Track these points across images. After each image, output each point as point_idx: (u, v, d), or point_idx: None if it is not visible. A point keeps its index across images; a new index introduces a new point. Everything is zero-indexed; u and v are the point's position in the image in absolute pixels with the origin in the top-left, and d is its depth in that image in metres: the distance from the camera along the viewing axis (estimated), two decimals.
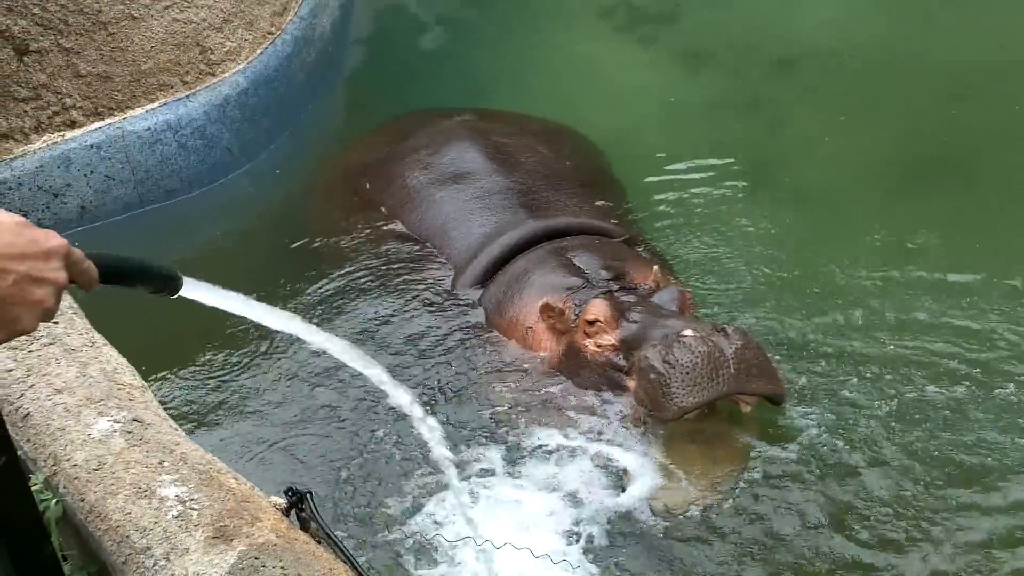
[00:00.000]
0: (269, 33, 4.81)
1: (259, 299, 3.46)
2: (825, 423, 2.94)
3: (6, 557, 1.59)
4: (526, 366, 3.22)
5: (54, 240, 1.38)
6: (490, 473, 2.88)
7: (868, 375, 3.12)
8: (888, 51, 4.99)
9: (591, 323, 3.06)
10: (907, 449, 2.86)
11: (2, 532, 1.57)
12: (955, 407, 2.98)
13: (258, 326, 3.34)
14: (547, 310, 3.18)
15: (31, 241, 1.34)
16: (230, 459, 2.78)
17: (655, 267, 3.21)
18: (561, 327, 3.16)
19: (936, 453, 2.84)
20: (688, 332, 2.78)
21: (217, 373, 3.38)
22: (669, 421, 2.81)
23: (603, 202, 3.87)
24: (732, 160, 4.38)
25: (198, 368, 3.40)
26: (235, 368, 3.39)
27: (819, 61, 4.98)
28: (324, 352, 3.20)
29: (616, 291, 3.14)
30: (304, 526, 2.20)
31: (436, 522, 2.73)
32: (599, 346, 3.03)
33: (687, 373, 2.72)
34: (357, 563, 2.10)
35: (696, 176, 4.28)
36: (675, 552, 2.63)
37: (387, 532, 2.72)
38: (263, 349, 3.43)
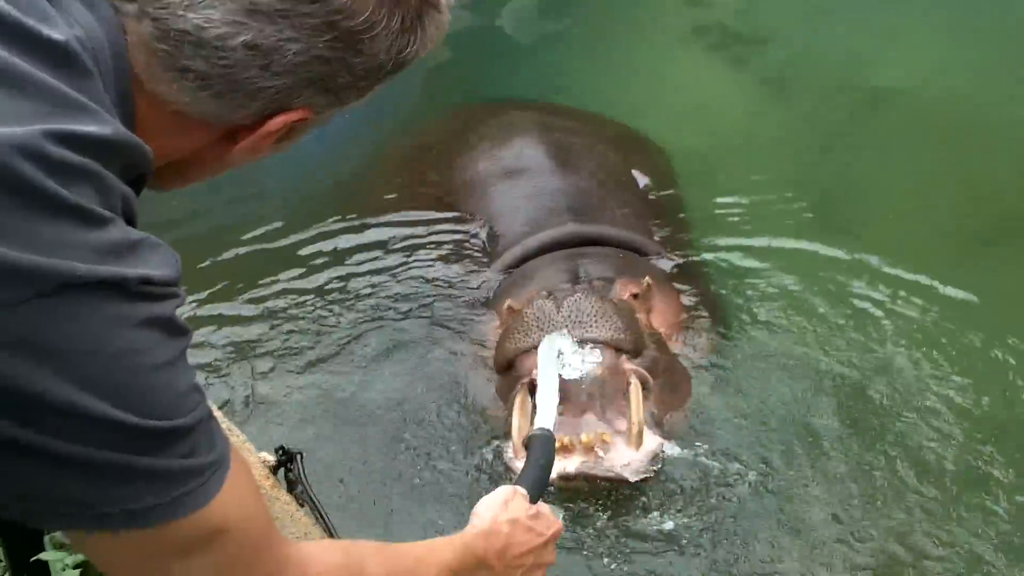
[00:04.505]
0: None
1: (315, 258, 3.65)
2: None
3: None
4: (475, 356, 3.23)
5: (553, 527, 1.55)
6: None
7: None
8: (987, 105, 4.76)
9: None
10: None
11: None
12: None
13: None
14: (510, 311, 3.11)
15: (537, 535, 1.50)
16: (235, 410, 2.84)
17: (646, 280, 3.12)
18: None
19: None
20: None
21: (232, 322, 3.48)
22: (501, 374, 2.91)
23: (656, 217, 3.81)
24: (800, 197, 4.24)
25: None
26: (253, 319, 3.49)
27: (910, 106, 4.77)
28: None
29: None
30: (291, 487, 2.20)
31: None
32: None
33: (517, 324, 2.82)
34: (334, 530, 2.10)
35: (760, 208, 4.16)
36: None
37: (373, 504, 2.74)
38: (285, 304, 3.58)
